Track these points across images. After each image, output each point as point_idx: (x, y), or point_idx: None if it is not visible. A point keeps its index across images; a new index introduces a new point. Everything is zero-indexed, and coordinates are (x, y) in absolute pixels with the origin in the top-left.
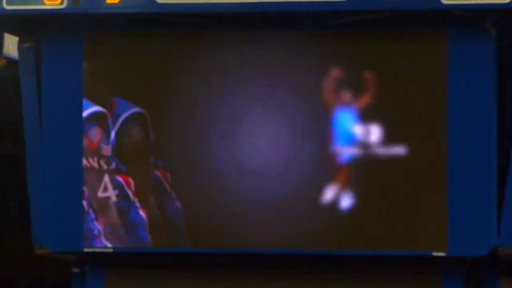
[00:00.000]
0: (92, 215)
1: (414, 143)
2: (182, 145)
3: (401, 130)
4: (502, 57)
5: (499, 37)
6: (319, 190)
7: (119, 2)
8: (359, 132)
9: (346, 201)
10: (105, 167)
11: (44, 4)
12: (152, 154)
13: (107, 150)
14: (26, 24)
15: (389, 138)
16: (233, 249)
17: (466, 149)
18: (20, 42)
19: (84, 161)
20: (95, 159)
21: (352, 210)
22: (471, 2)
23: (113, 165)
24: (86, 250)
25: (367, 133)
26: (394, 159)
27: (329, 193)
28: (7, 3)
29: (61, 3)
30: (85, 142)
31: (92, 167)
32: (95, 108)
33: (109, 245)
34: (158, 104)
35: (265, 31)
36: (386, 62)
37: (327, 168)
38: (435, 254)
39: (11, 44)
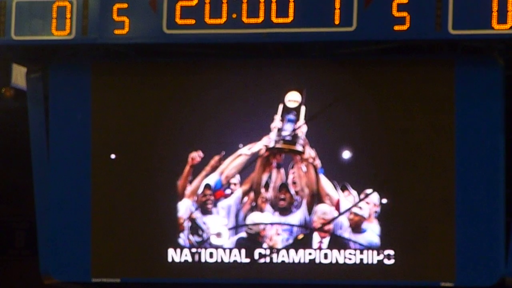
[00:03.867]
0: None
1: (421, 172)
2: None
3: (408, 159)
4: (510, 86)
5: (507, 67)
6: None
7: (127, 32)
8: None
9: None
10: None
11: (52, 34)
12: None
13: None
14: (34, 54)
15: (396, 167)
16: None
17: (473, 179)
18: (28, 72)
19: None
20: None
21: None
22: (479, 32)
23: None
24: (94, 280)
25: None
26: (402, 188)
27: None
28: (16, 34)
29: (69, 33)
30: None
31: None
32: None
33: None
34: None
35: (272, 60)
36: (394, 90)
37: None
38: (443, 284)
39: (19, 75)
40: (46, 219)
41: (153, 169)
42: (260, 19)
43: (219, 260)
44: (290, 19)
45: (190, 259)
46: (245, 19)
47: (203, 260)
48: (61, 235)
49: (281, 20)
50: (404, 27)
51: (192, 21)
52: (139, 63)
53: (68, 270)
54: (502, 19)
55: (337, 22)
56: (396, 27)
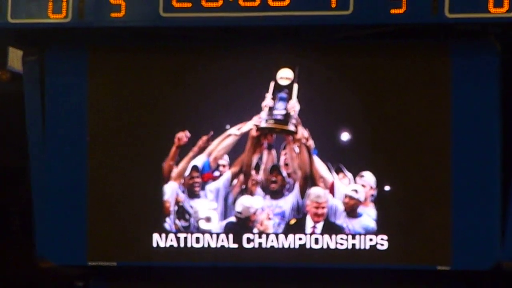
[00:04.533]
0: None
1: (417, 156)
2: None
3: (405, 143)
4: (506, 70)
5: (503, 51)
6: None
7: (123, 15)
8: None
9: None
10: None
11: (48, 17)
12: None
13: None
14: (31, 38)
15: (393, 151)
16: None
17: (470, 163)
18: (24, 56)
19: None
20: None
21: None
22: (475, 16)
23: None
24: (89, 263)
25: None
26: (398, 172)
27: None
28: (12, 17)
29: (66, 16)
30: None
31: None
32: None
33: None
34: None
35: (268, 44)
36: (390, 75)
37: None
38: (439, 268)
39: (16, 58)
40: (42, 202)
41: (139, 151)
42: (257, 2)
43: (206, 246)
44: (286, 2)
45: (175, 244)
46: (241, 2)
47: (189, 245)
48: (57, 218)
49: (277, 4)
50: (401, 11)
51: (189, 4)
52: (135, 46)
53: (64, 254)
54: (499, 3)
55: (333, 5)
56: (393, 11)
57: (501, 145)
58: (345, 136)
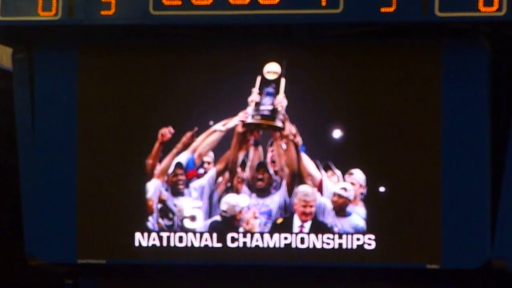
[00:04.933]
0: None
1: (407, 154)
2: None
3: (394, 141)
4: (496, 69)
5: (494, 49)
6: None
7: (113, 13)
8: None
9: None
10: None
11: (38, 15)
12: None
13: None
14: (20, 35)
15: (382, 150)
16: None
17: (459, 160)
18: (14, 53)
19: None
20: None
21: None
22: (465, 14)
23: None
24: (79, 261)
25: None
26: (387, 170)
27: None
28: (1, 14)
29: (55, 14)
30: None
31: None
32: None
33: None
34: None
35: (259, 43)
36: (380, 73)
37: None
38: (429, 266)
39: (5, 55)
40: (31, 200)
41: (125, 148)
42: (247, 0)
43: (189, 245)
44: (277, 0)
45: (158, 244)
46: (231, 1)
47: (172, 244)
48: (47, 216)
49: (268, 2)
50: (391, 9)
51: (179, 2)
52: (125, 44)
53: (54, 252)
54: (488, 2)
55: (323, 4)
56: (383, 9)
57: (491, 143)
58: (334, 133)
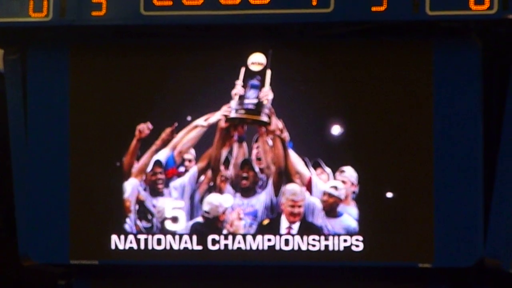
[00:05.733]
0: None
1: (399, 153)
2: None
3: (386, 140)
4: (487, 67)
5: (485, 48)
6: None
7: (104, 14)
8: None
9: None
10: None
11: (29, 16)
12: None
13: None
14: (12, 36)
15: (374, 148)
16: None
17: (452, 159)
18: (5, 55)
19: None
20: None
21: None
22: (456, 13)
23: None
24: (72, 262)
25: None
26: (379, 168)
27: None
28: None
29: (47, 15)
30: None
31: None
32: None
33: None
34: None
35: (250, 42)
36: (371, 72)
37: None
38: (421, 265)
39: None
40: (24, 201)
41: (113, 148)
42: (238, 0)
43: (168, 247)
44: (267, 0)
45: (135, 246)
46: (222, 1)
47: (150, 247)
48: (40, 217)
49: (258, 2)
50: (382, 8)
51: (170, 3)
52: (117, 44)
53: (47, 252)
54: (479, 0)
55: (314, 3)
56: (374, 8)
57: (484, 142)
58: (323, 128)
